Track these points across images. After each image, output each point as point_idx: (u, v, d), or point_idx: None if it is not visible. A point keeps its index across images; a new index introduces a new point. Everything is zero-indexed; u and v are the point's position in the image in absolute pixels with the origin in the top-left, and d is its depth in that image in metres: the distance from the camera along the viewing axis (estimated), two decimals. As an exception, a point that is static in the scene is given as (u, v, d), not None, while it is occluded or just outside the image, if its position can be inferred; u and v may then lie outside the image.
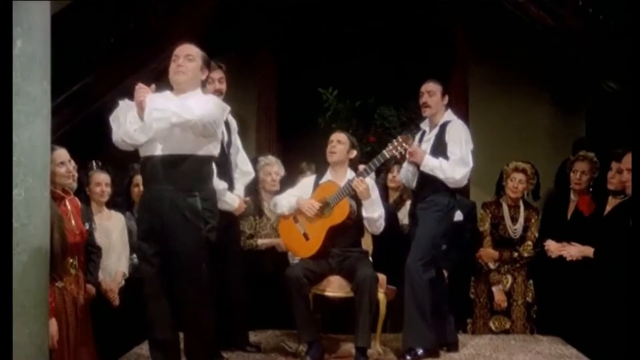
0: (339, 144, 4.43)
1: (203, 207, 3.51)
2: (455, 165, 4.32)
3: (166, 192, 3.48)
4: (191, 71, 3.61)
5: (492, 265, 5.13)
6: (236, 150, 4.51)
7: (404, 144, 4.31)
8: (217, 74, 4.36)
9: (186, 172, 3.49)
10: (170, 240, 3.48)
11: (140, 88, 3.45)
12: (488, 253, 5.15)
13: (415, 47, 7.49)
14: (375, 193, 4.37)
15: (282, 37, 7.88)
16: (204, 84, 3.77)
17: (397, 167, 5.14)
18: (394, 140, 4.35)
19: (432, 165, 4.32)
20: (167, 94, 3.58)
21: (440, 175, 4.32)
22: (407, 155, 4.44)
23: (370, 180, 4.39)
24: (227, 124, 4.41)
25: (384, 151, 4.32)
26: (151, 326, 3.64)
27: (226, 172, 4.30)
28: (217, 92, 4.33)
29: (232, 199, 4.27)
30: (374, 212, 4.30)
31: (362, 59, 7.60)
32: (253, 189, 5.10)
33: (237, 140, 4.55)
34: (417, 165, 4.41)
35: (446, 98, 4.54)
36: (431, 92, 4.49)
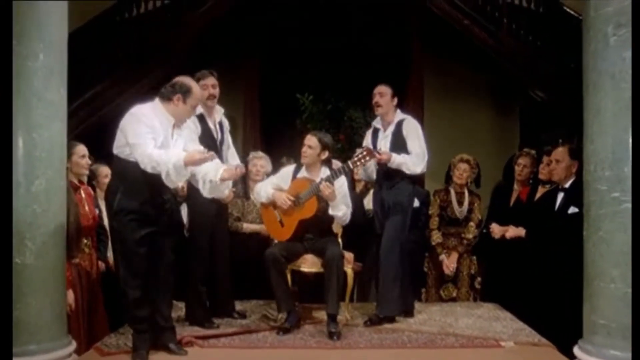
0: (309, 148, 4.30)
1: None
2: (417, 159, 4.32)
3: (167, 196, 3.57)
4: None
5: (439, 240, 5.19)
6: (227, 147, 4.49)
7: (367, 157, 4.21)
8: (211, 81, 4.29)
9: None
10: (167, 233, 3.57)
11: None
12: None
13: (379, 59, 7.56)
14: (341, 193, 4.28)
15: (265, 50, 7.91)
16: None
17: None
18: (359, 153, 4.24)
19: (399, 162, 4.29)
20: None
21: (405, 169, 4.31)
22: (377, 159, 4.33)
23: (340, 182, 4.27)
24: (220, 124, 4.42)
25: (349, 162, 4.21)
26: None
27: None
28: (212, 97, 4.29)
29: (226, 190, 4.24)
30: (339, 211, 4.25)
31: (334, 68, 7.63)
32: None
33: (228, 139, 4.52)
34: (384, 163, 4.34)
35: (395, 99, 4.47)
36: (382, 94, 4.44)
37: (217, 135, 4.36)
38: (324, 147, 4.32)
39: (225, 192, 4.30)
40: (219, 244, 4.38)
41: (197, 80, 4.15)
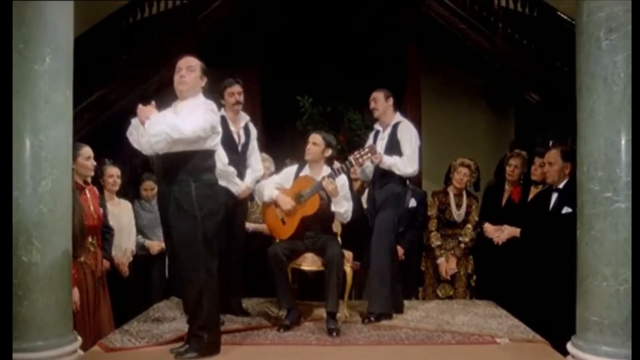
0: (314, 145, 4.34)
1: (198, 194, 3.37)
2: (408, 161, 4.39)
3: (166, 185, 3.45)
4: (192, 81, 3.52)
5: (438, 242, 5.19)
6: (252, 152, 4.60)
7: (369, 154, 4.26)
8: (237, 89, 4.51)
9: (181, 166, 3.39)
10: (171, 226, 3.45)
11: (141, 110, 3.35)
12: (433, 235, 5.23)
13: (376, 62, 7.57)
14: (344, 191, 4.29)
15: (265, 54, 7.92)
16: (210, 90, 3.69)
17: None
18: (361, 150, 4.28)
19: (390, 163, 4.37)
20: (168, 111, 3.48)
21: (396, 170, 4.37)
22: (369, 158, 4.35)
23: (342, 179, 4.30)
24: (246, 129, 4.59)
25: (351, 158, 4.24)
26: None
27: (236, 166, 4.39)
28: (237, 103, 4.51)
29: (240, 182, 4.38)
30: (341, 208, 4.26)
31: (333, 72, 7.65)
32: None
33: (254, 144, 4.64)
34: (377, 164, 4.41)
35: (390, 100, 4.56)
36: (375, 99, 4.57)
37: (240, 139, 4.52)
38: (328, 145, 4.39)
39: (242, 186, 4.39)
40: (232, 241, 4.40)
41: (224, 88, 4.47)
